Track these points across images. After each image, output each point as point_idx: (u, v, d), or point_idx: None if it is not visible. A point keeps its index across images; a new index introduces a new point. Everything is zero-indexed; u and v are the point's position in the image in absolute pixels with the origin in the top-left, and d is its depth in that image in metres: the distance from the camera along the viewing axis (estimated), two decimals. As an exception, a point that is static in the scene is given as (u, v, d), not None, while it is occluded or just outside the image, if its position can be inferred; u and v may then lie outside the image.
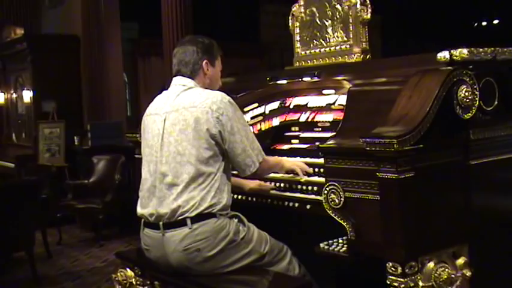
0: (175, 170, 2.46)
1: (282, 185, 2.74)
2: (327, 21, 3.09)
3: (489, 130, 2.36)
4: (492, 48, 2.36)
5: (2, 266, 4.99)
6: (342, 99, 2.77)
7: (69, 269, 5.28)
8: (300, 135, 3.15)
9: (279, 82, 3.19)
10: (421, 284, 2.13)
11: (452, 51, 2.24)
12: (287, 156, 2.87)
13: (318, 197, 2.47)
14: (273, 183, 2.77)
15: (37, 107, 7.76)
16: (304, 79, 3.04)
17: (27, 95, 8.03)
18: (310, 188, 2.59)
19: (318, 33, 3.14)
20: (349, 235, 2.28)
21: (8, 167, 7.74)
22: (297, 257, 2.69)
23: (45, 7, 8.84)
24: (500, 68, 2.41)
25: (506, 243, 2.44)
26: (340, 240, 2.39)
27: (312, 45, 3.18)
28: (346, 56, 3.00)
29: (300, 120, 3.11)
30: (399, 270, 2.09)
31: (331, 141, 2.40)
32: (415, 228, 2.10)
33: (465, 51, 2.24)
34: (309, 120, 3.06)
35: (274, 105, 3.23)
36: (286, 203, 2.68)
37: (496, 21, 13.44)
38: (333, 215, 2.31)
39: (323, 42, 3.12)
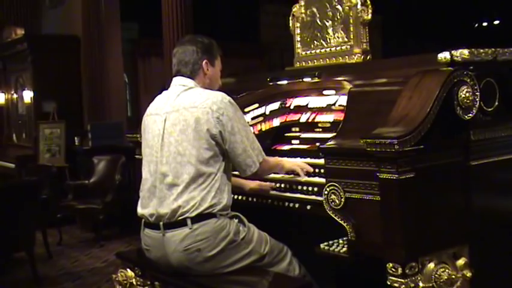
0: (176, 170, 2.46)
1: (283, 185, 2.74)
2: (328, 21, 3.09)
3: (490, 131, 2.36)
4: (493, 49, 2.36)
5: (2, 266, 5.00)
6: (343, 100, 2.77)
7: (69, 269, 5.28)
8: (301, 136, 3.14)
9: (279, 83, 3.19)
10: (421, 284, 2.13)
11: (453, 51, 2.23)
12: (287, 157, 2.87)
13: (319, 198, 2.47)
14: (273, 184, 2.77)
15: (37, 107, 7.76)
16: (305, 80, 3.04)
17: (28, 95, 8.03)
18: (310, 188, 2.59)
19: (318, 34, 3.14)
20: (350, 235, 2.27)
21: (8, 168, 7.74)
22: (297, 258, 2.69)
23: (46, 7, 8.84)
24: (501, 69, 2.41)
25: (506, 244, 2.44)
26: (341, 241, 2.39)
27: (312, 45, 3.18)
28: (346, 57, 2.99)
29: (301, 120, 3.11)
30: (399, 270, 2.09)
31: (331, 142, 2.40)
32: (416, 229, 2.10)
33: (466, 51, 2.24)
34: (310, 120, 3.06)
35: (275, 105, 3.23)
36: (286, 204, 2.68)
37: (496, 22, 13.43)
38: (333, 215, 2.31)
39: (323, 42, 3.12)
